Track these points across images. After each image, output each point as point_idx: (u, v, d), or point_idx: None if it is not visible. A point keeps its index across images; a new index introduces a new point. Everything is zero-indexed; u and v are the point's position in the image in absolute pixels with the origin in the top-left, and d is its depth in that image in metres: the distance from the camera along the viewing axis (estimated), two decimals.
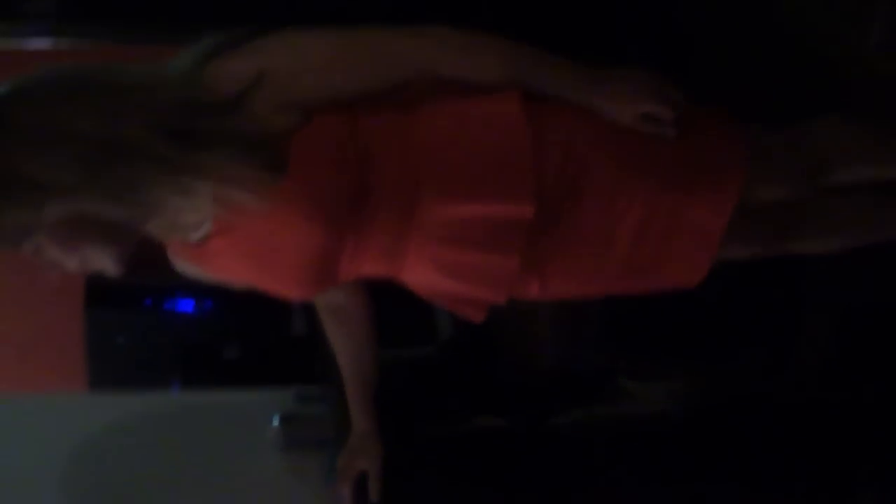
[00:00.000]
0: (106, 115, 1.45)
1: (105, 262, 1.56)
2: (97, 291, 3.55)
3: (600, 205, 1.71)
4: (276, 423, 2.47)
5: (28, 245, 1.50)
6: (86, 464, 2.43)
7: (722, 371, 2.54)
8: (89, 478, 2.40)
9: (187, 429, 2.57)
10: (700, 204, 1.73)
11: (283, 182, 1.57)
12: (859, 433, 2.36)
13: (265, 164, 1.54)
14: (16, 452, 2.46)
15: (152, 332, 3.55)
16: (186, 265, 1.79)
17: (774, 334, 2.57)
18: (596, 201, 1.71)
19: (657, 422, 2.46)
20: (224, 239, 1.66)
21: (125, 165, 1.45)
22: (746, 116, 1.81)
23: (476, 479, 2.25)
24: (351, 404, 2.09)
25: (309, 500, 2.35)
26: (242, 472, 2.43)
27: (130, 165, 1.46)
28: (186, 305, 3.52)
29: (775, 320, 2.55)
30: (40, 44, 3.18)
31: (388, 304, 2.02)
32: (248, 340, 3.52)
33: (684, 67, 2.12)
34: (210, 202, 1.53)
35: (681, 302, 1.90)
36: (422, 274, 1.78)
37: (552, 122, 1.69)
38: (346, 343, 2.04)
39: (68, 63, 1.51)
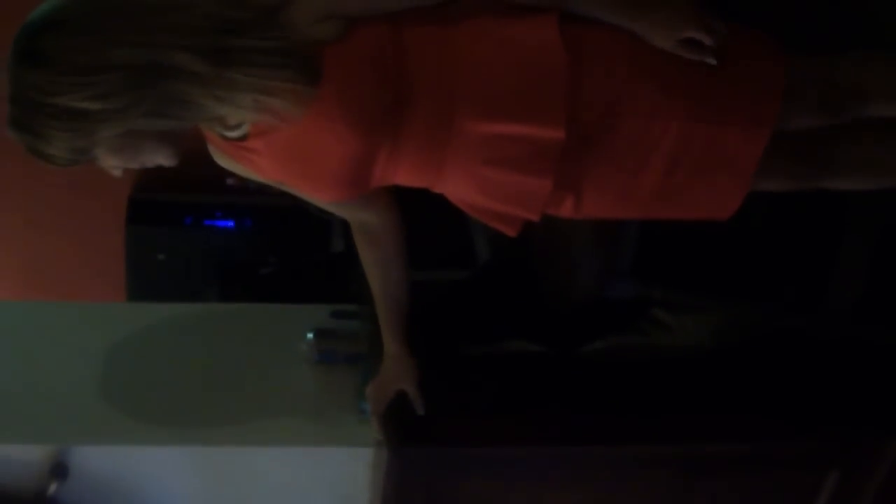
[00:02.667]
0: (142, 41, 1.50)
1: (161, 160, 1.64)
2: (139, 209, 3.59)
3: (636, 128, 1.73)
4: (310, 337, 2.50)
5: (87, 160, 1.56)
6: (123, 369, 2.48)
7: (755, 306, 2.53)
8: (126, 382, 2.45)
9: (223, 339, 2.60)
10: (735, 131, 1.74)
11: (323, 89, 1.61)
12: (890, 371, 2.36)
13: (299, 73, 1.59)
14: (58, 356, 2.51)
15: (191, 249, 3.58)
16: (224, 160, 1.84)
17: (809, 270, 2.56)
18: (632, 124, 1.73)
19: (689, 353, 2.46)
20: (262, 139, 1.71)
21: (167, 85, 1.52)
22: (786, 43, 1.80)
23: (508, 402, 2.26)
24: (382, 326, 2.12)
25: (338, 412, 2.38)
26: (275, 384, 2.46)
27: (172, 85, 1.52)
28: (226, 224, 3.55)
29: (810, 256, 2.54)
30: None
31: (427, 227, 2.03)
32: (286, 258, 3.55)
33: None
34: (249, 109, 1.60)
35: (716, 235, 1.90)
36: (457, 187, 1.82)
37: (591, 45, 1.70)
38: (376, 265, 2.06)
39: None
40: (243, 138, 1.72)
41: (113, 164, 1.59)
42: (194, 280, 3.55)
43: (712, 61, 1.70)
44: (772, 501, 2.36)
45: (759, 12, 1.89)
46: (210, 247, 3.57)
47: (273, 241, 3.55)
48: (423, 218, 2.01)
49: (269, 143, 1.70)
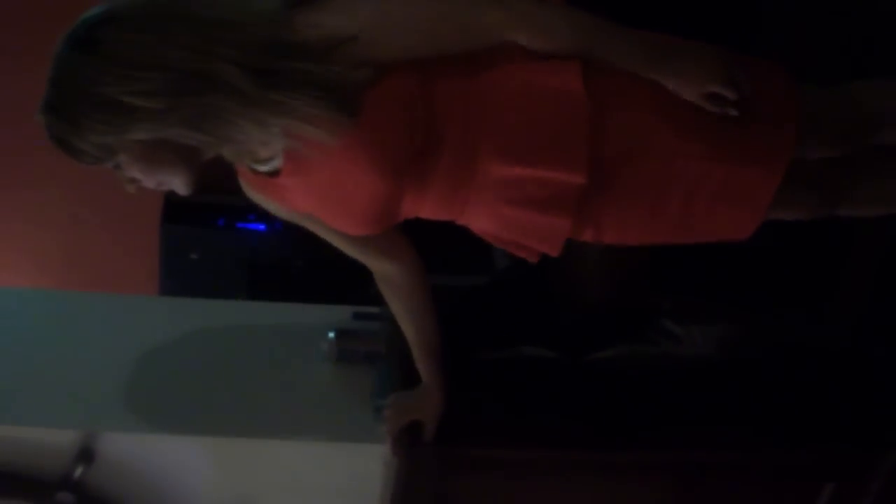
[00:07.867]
0: (196, 48, 1.53)
1: (177, 184, 1.68)
2: (174, 210, 3.68)
3: (656, 167, 1.76)
4: (331, 336, 2.56)
5: (109, 163, 1.61)
6: (152, 359, 2.55)
7: (762, 319, 2.56)
8: (153, 372, 2.52)
9: (249, 335, 2.67)
10: (752, 168, 1.76)
11: (355, 130, 1.63)
12: (888, 386, 2.39)
13: (339, 106, 1.61)
14: (91, 344, 2.59)
15: (223, 250, 3.66)
16: (254, 193, 1.87)
17: (814, 285, 2.58)
18: (651, 165, 1.75)
19: (697, 364, 2.51)
20: (294, 178, 1.74)
21: (209, 97, 1.54)
22: (798, 75, 1.82)
23: (518, 405, 2.32)
24: (417, 364, 2.15)
25: (355, 410, 2.44)
26: (296, 380, 2.53)
27: (214, 97, 1.54)
28: (257, 226, 3.63)
29: (816, 271, 2.57)
30: None
31: (447, 233, 2.09)
32: (312, 261, 3.63)
33: (741, 27, 2.12)
34: (283, 136, 1.62)
35: (726, 250, 1.93)
36: (480, 222, 1.85)
37: (613, 91, 1.72)
38: (405, 315, 2.09)
39: None
40: (274, 174, 1.75)
41: (132, 174, 1.63)
42: (225, 279, 3.63)
43: (735, 113, 1.70)
44: None
45: (773, 43, 1.91)
46: (241, 248, 3.65)
47: (301, 245, 3.62)
48: (443, 224, 2.08)
49: (300, 182, 1.74)
